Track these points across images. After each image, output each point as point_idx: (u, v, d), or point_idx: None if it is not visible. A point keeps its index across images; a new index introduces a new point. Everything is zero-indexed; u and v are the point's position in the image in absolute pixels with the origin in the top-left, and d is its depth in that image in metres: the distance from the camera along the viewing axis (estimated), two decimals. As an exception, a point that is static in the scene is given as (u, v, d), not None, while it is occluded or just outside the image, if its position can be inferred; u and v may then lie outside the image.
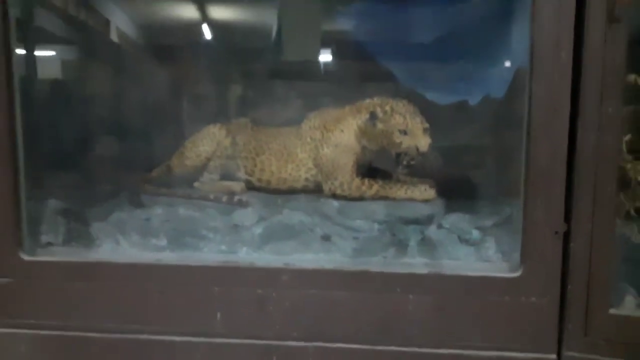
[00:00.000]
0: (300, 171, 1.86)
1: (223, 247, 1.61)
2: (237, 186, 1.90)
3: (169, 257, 1.58)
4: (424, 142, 1.61)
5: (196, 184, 1.96)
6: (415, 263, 1.53)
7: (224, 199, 1.86)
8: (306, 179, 1.86)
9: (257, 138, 1.92)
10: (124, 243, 1.64)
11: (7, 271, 1.53)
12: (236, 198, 1.85)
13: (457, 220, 1.68)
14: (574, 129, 1.33)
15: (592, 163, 1.32)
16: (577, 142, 1.32)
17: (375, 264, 1.52)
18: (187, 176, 1.97)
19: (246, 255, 1.59)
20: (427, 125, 1.66)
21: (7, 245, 1.53)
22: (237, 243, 1.62)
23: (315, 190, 1.89)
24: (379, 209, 1.73)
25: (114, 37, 2.25)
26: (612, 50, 1.27)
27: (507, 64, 1.85)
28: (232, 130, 1.95)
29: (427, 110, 1.95)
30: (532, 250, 1.40)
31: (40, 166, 1.74)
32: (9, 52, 1.49)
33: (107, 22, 2.24)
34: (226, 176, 1.97)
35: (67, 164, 1.91)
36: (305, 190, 1.90)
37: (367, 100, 1.78)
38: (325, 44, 2.33)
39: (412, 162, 1.66)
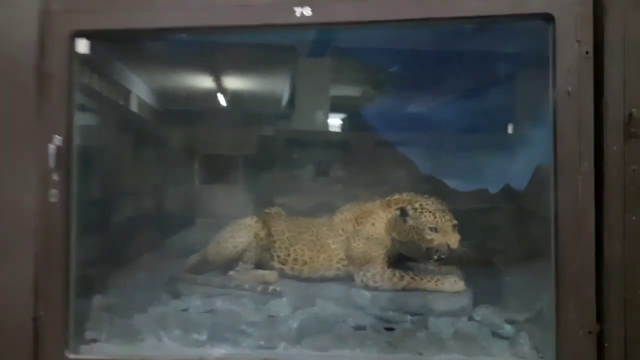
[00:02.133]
0: (332, 261, 1.93)
1: (262, 343, 1.66)
2: (271, 275, 1.97)
3: (210, 353, 1.63)
4: (454, 240, 1.70)
5: (231, 273, 2.03)
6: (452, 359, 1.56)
7: (259, 288, 1.93)
8: (337, 269, 1.94)
9: (290, 228, 2.01)
10: (165, 338, 1.69)
11: (54, 369, 1.58)
12: (270, 288, 1.92)
13: (488, 313, 1.73)
14: (601, 233, 1.41)
15: (620, 266, 1.39)
16: (604, 247, 1.39)
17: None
18: (223, 265, 2.05)
19: (284, 351, 1.63)
20: (455, 222, 1.75)
21: (54, 343, 1.59)
22: (275, 338, 1.67)
23: (345, 278, 1.96)
24: (411, 301, 1.79)
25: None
26: (631, 162, 1.37)
27: (527, 158, 1.96)
28: (266, 220, 2.05)
29: (448, 196, 2.06)
30: (567, 350, 1.44)
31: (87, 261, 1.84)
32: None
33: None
34: (260, 265, 2.05)
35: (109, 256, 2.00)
36: (336, 279, 1.97)
37: (397, 196, 1.88)
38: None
39: (443, 257, 1.74)
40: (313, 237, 1.96)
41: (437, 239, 1.72)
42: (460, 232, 1.75)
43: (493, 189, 2.21)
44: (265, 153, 2.50)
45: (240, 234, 1.99)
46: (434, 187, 2.34)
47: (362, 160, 2.52)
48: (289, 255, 1.98)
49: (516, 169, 2.08)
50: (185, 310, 1.86)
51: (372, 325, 1.72)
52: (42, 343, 1.55)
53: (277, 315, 1.80)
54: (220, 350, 1.62)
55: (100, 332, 1.70)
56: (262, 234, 1.98)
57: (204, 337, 1.69)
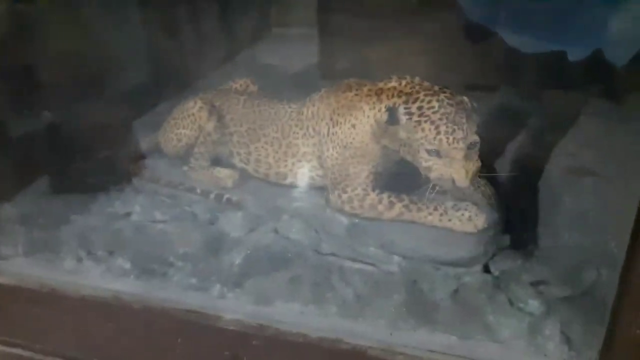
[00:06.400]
0: (303, 167, 1.39)
1: (193, 281, 1.29)
2: (229, 178, 1.50)
3: (126, 288, 1.29)
4: (463, 174, 1.04)
5: (185, 169, 1.58)
6: (436, 341, 1.08)
7: (212, 195, 1.49)
8: (311, 177, 1.40)
9: (248, 119, 1.44)
10: (85, 260, 1.38)
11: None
12: (225, 197, 1.47)
13: (513, 269, 1.16)
14: None
15: None
16: None
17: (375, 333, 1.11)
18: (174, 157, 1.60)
19: (218, 298, 1.25)
20: (477, 138, 1.06)
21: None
22: (211, 276, 1.28)
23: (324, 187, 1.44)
24: (400, 238, 1.25)
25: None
26: None
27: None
28: (217, 106, 1.48)
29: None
30: (616, 351, 0.91)
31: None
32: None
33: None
34: (219, 161, 1.56)
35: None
36: (313, 187, 1.45)
37: (394, 81, 1.18)
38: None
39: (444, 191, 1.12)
40: (278, 133, 1.39)
41: (436, 168, 1.07)
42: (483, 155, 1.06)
43: (575, 55, 1.39)
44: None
45: (183, 123, 1.47)
46: (481, 45, 1.57)
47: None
48: (250, 154, 1.46)
49: (622, 29, 1.22)
50: (127, 215, 1.50)
51: (339, 268, 1.25)
52: None
53: (226, 235, 1.39)
54: (136, 288, 1.28)
55: (16, 247, 1.43)
56: (210, 126, 1.44)
57: (127, 264, 1.35)
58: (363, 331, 1.11)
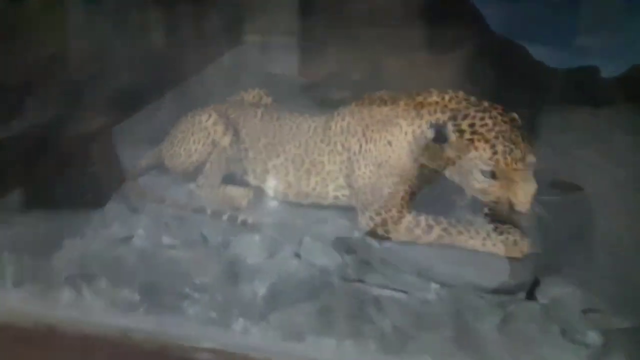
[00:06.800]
0: (327, 187, 1.29)
1: (213, 315, 1.16)
2: (244, 197, 1.38)
3: (140, 326, 1.16)
4: (523, 197, 0.96)
5: (192, 187, 1.45)
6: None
7: (225, 217, 1.37)
8: (335, 197, 1.30)
9: (267, 133, 1.33)
10: (86, 292, 1.23)
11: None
12: (240, 218, 1.35)
13: (564, 296, 1.09)
14: None
15: None
16: None
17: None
18: (182, 174, 1.47)
19: (242, 334, 1.13)
20: (534, 158, 0.99)
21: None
22: (232, 308, 1.16)
23: (349, 208, 1.34)
24: (438, 264, 1.17)
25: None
26: None
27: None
28: (234, 118, 1.36)
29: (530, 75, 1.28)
30: None
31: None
32: None
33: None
34: (231, 178, 1.44)
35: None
36: (337, 207, 1.35)
37: (434, 96, 1.09)
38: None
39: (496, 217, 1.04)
40: (300, 150, 1.29)
41: (492, 191, 0.99)
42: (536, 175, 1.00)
43: (610, 71, 1.35)
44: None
45: (194, 138, 1.34)
46: (508, 59, 1.51)
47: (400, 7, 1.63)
48: (267, 171, 1.34)
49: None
50: (128, 239, 1.36)
51: (375, 300, 1.15)
52: None
53: (243, 261, 1.27)
54: (147, 324, 1.14)
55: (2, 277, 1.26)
56: (225, 141, 1.32)
57: (136, 296, 1.21)
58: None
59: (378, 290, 1.20)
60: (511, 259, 1.13)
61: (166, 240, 1.33)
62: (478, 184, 1.01)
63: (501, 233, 1.12)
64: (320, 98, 1.69)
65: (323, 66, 1.75)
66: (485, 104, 1.04)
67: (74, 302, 1.22)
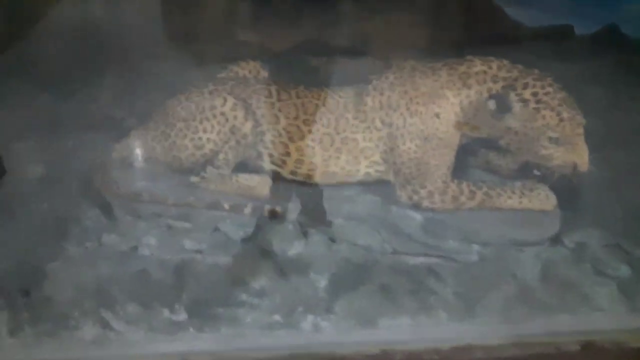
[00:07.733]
0: (359, 164, 1.24)
1: (277, 318, 1.07)
2: (264, 185, 1.26)
3: (197, 345, 1.03)
4: (584, 158, 1.04)
5: (194, 179, 1.28)
6: (557, 323, 1.10)
7: (247, 209, 1.24)
8: (367, 174, 1.26)
9: (288, 114, 1.21)
10: (114, 323, 1.04)
11: None
12: (266, 208, 1.23)
13: (586, 239, 1.23)
14: None
15: None
16: None
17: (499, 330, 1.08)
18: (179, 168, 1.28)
19: (314, 332, 1.07)
20: (584, 120, 1.06)
21: None
22: (294, 306, 1.08)
23: (375, 185, 1.31)
24: (482, 226, 1.22)
25: None
26: None
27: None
28: (243, 99, 1.20)
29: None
30: None
31: None
32: None
33: None
34: (240, 165, 1.30)
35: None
36: (361, 185, 1.31)
37: (477, 65, 1.09)
38: None
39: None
40: (330, 129, 1.20)
41: (558, 156, 1.05)
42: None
43: (583, 28, 1.47)
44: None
45: (205, 127, 1.17)
46: (485, 17, 1.57)
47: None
48: (288, 154, 1.24)
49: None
50: (134, 249, 1.17)
51: (432, 269, 1.17)
52: None
53: (284, 253, 1.19)
54: (203, 344, 1.01)
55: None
56: (247, 127, 1.17)
57: (181, 315, 1.06)
58: (486, 331, 1.08)
59: (424, 260, 1.22)
60: (543, 212, 1.23)
61: (189, 244, 1.17)
62: (545, 150, 1.07)
63: (531, 190, 1.21)
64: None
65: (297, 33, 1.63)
66: (536, 71, 1.08)
67: (99, 338, 1.02)
